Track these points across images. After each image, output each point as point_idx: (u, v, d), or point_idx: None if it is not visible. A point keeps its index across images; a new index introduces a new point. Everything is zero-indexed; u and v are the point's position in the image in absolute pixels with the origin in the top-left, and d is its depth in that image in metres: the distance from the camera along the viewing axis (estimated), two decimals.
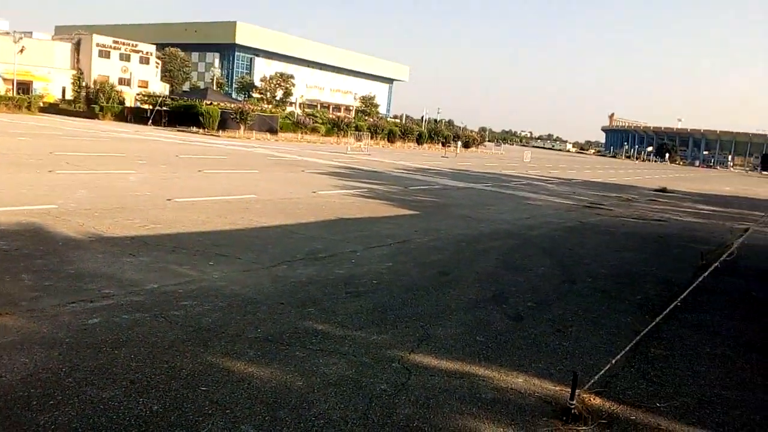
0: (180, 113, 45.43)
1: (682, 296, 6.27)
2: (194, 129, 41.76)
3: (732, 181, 56.40)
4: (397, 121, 79.88)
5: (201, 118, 41.91)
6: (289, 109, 66.76)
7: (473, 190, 17.82)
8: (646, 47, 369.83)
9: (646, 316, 5.49)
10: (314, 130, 50.83)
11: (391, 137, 56.06)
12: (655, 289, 6.69)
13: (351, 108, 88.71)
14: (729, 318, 5.69)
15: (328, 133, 51.39)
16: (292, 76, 74.91)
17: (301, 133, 48.99)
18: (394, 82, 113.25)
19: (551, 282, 6.56)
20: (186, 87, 73.17)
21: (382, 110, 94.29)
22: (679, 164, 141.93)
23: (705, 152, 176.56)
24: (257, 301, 4.80)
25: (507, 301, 5.56)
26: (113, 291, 4.73)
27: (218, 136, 38.82)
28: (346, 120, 56.14)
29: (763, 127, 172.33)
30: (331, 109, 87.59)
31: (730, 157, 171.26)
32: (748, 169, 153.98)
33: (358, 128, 47.92)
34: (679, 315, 5.64)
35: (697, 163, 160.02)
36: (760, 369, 4.30)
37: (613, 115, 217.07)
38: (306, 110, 66.54)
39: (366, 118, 66.21)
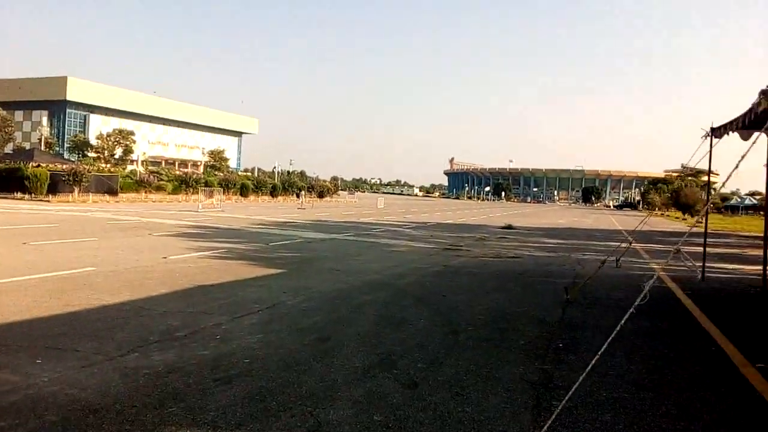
0: (1, 178, 40.45)
1: (561, 337, 6.31)
2: (19, 195, 37.33)
3: (562, 214, 62.14)
4: (249, 174, 78.14)
5: (27, 182, 37.63)
6: (130, 167, 62.59)
7: (336, 241, 17.48)
8: (475, 97, 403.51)
9: (535, 363, 5.37)
10: (160, 189, 47.97)
11: (244, 191, 54.60)
12: (533, 331, 6.66)
13: (199, 163, 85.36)
14: (611, 355, 5.72)
15: (175, 191, 48.75)
16: (132, 133, 70.63)
17: (146, 193, 45.92)
18: (244, 135, 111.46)
19: (435, 336, 6.26)
20: (9, 149, 65.78)
21: (232, 164, 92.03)
22: (513, 201, 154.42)
23: (535, 189, 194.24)
24: (102, 408, 3.88)
25: (396, 365, 5.12)
26: None
27: (48, 201, 35.00)
28: (194, 176, 53.78)
29: (580, 164, 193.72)
30: (177, 165, 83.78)
31: (556, 192, 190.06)
32: (571, 202, 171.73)
33: (208, 184, 46.02)
34: (565, 357, 5.60)
35: (528, 199, 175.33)
36: (657, 409, 4.25)
37: (453, 159, 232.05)
38: (150, 168, 62.78)
39: (216, 173, 64.07)
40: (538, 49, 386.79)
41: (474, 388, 4.59)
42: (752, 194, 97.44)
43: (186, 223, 21.91)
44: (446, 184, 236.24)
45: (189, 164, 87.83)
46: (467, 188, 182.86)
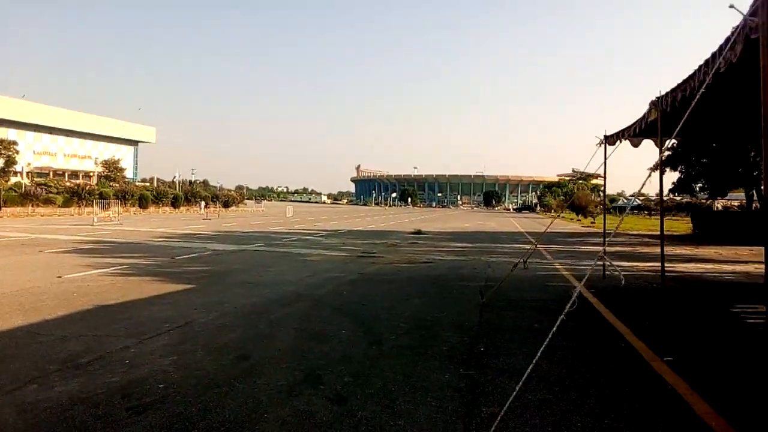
0: None
1: (482, 341, 6.42)
2: None
3: (467, 218, 64.09)
4: (148, 185, 74.45)
5: None
6: (14, 179, 57.72)
7: (247, 252, 16.95)
8: (379, 105, 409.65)
9: (460, 369, 5.40)
10: (49, 202, 44.65)
11: (143, 203, 51.96)
12: (454, 336, 6.72)
13: (92, 174, 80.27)
14: (530, 356, 5.88)
15: (66, 204, 45.59)
16: (14, 143, 65.20)
17: (33, 206, 42.60)
18: (140, 144, 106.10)
19: (359, 347, 6.16)
20: None
21: (129, 174, 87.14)
22: (420, 207, 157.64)
23: (439, 194, 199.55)
24: None
25: (322, 381, 4.98)
26: None
27: None
28: (88, 187, 50.50)
29: (481, 170, 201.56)
30: (67, 176, 78.33)
31: (459, 197, 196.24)
32: (473, 206, 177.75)
33: (103, 196, 43.37)
34: (488, 362, 5.68)
35: (434, 204, 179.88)
36: (581, 409, 4.39)
37: (359, 166, 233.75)
38: (36, 179, 58.20)
39: (111, 184, 60.49)
40: (438, 59, 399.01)
41: (403, 399, 4.54)
42: (636, 195, 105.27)
43: (81, 238, 20.47)
44: (354, 191, 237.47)
45: (81, 175, 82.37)
46: (374, 195, 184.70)
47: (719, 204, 51.21)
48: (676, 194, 37.90)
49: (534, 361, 4.05)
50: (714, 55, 5.28)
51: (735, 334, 7.16)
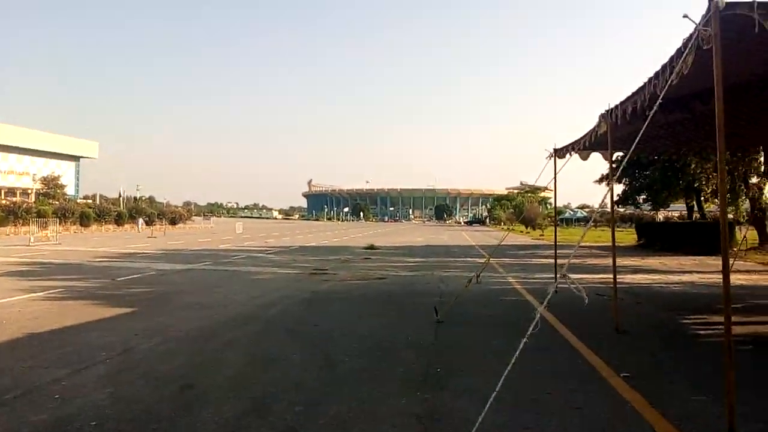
0: None
1: (438, 361, 6.24)
2: None
3: (419, 231, 64.41)
4: (90, 202, 71.73)
5: None
6: None
7: (193, 271, 16.34)
8: (331, 120, 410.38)
9: (417, 392, 5.18)
10: None
11: (84, 221, 49.92)
12: (410, 357, 6.51)
13: (30, 191, 76.78)
14: (487, 377, 5.72)
15: (2, 223, 43.29)
16: None
17: None
18: (82, 160, 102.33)
19: (311, 371, 5.87)
20: None
21: (70, 191, 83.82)
22: (372, 221, 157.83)
23: (391, 208, 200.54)
24: None
25: (272, 410, 4.67)
26: None
27: None
28: (25, 205, 48.19)
29: (432, 183, 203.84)
30: (3, 194, 74.74)
31: (411, 211, 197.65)
32: (425, 219, 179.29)
33: (41, 214, 41.43)
34: (445, 383, 5.48)
35: (386, 218, 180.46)
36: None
37: (311, 181, 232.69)
38: None
39: (51, 201, 57.94)
40: (389, 73, 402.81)
41: (359, 429, 4.29)
42: (582, 207, 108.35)
43: (15, 260, 19.36)
44: (306, 206, 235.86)
45: (18, 192, 78.74)
46: (327, 209, 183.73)
47: (660, 215, 53.11)
48: (620, 206, 39.07)
49: (498, 386, 3.86)
50: (665, 67, 5.31)
51: (689, 348, 7.22)
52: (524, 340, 3.83)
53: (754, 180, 25.36)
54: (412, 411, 4.68)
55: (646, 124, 4.91)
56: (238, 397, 5.02)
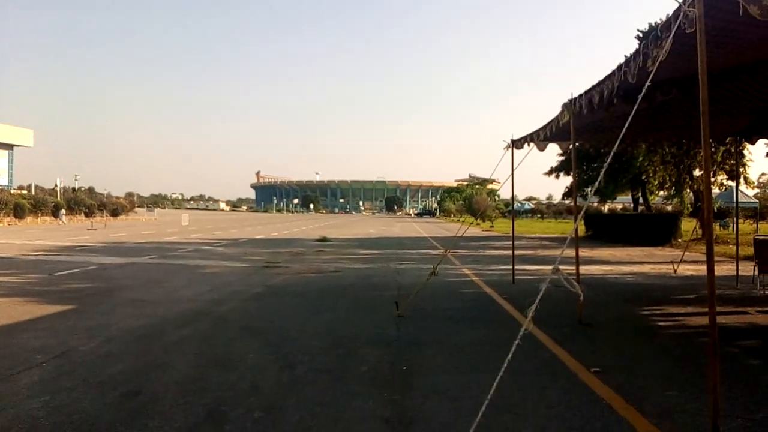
0: None
1: (403, 358, 5.99)
2: None
3: (371, 223, 64.21)
4: (25, 192, 68.09)
5: None
6: None
7: (137, 265, 15.54)
8: (280, 110, 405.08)
9: (383, 393, 4.89)
10: None
11: (19, 212, 47.34)
12: (373, 354, 6.21)
13: None
14: (455, 374, 5.49)
15: None
16: None
17: None
18: (16, 148, 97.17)
19: (269, 373, 5.49)
20: None
21: (2, 181, 79.54)
22: (323, 213, 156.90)
23: (341, 200, 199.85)
24: None
25: (228, 418, 4.28)
26: None
27: None
28: None
29: (382, 176, 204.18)
30: None
31: (361, 203, 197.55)
32: (375, 211, 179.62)
33: None
34: (413, 382, 5.22)
35: (336, 210, 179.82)
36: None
37: (259, 172, 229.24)
38: None
39: None
40: (336, 61, 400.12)
41: None
42: (529, 199, 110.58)
43: None
44: (254, 197, 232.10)
45: None
46: (276, 201, 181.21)
47: (606, 207, 54.60)
48: (567, 198, 39.88)
49: (493, 388, 3.60)
50: (637, 52, 5.15)
51: (653, 340, 7.20)
52: (508, 357, 3.57)
53: (697, 173, 26.21)
54: (381, 414, 4.38)
55: (630, 117, 4.72)
56: (189, 403, 4.59)
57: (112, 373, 5.41)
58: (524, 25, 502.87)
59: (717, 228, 32.06)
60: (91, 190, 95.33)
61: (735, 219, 18.78)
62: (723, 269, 13.29)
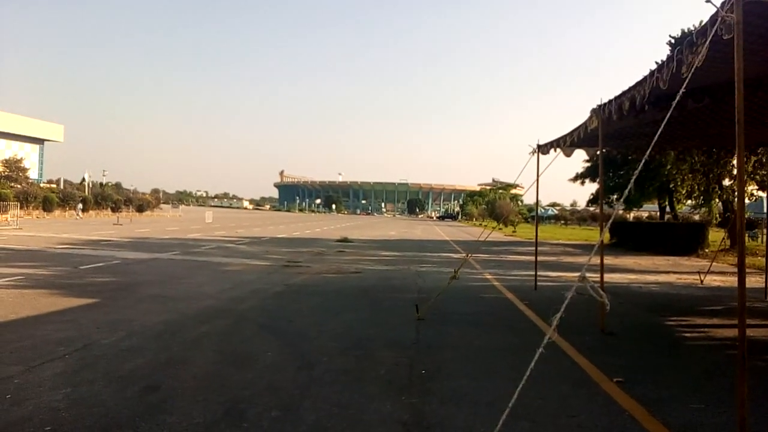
0: None
1: (422, 362, 5.92)
2: None
3: (392, 225, 64.18)
4: (54, 186, 69.47)
5: None
6: None
7: (161, 261, 15.73)
8: (304, 109, 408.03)
9: (402, 396, 4.84)
10: None
11: (47, 206, 48.34)
12: (391, 356, 6.17)
13: None
14: (475, 380, 5.42)
15: None
16: None
17: None
18: (46, 143, 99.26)
19: (287, 372, 5.48)
20: None
21: (33, 175, 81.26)
22: (344, 213, 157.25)
23: (363, 201, 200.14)
24: None
25: (246, 416, 4.28)
26: None
27: None
28: None
29: (405, 178, 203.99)
30: None
31: (383, 204, 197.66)
32: (397, 213, 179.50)
33: (2, 198, 39.89)
34: (431, 386, 5.16)
35: (358, 211, 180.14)
36: None
37: (283, 171, 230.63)
38: None
39: (13, 185, 55.92)
40: (360, 65, 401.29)
41: None
42: (553, 205, 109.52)
43: None
44: (277, 196, 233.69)
45: None
46: (298, 201, 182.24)
47: (631, 215, 53.80)
48: (592, 205, 39.38)
49: (515, 395, 3.53)
50: (670, 58, 5.03)
51: (677, 351, 7.04)
52: (531, 366, 3.49)
53: (726, 182, 25.68)
54: (399, 418, 4.34)
55: (664, 122, 4.61)
56: (207, 400, 4.61)
57: (133, 368, 5.46)
58: (550, 30, 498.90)
59: (746, 239, 31.32)
60: (118, 185, 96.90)
61: (765, 230, 18.34)
62: (751, 281, 12.97)
